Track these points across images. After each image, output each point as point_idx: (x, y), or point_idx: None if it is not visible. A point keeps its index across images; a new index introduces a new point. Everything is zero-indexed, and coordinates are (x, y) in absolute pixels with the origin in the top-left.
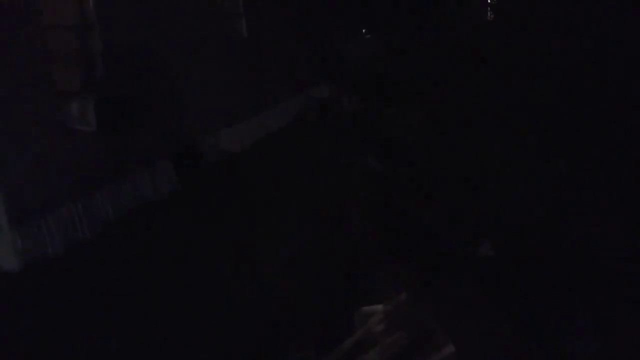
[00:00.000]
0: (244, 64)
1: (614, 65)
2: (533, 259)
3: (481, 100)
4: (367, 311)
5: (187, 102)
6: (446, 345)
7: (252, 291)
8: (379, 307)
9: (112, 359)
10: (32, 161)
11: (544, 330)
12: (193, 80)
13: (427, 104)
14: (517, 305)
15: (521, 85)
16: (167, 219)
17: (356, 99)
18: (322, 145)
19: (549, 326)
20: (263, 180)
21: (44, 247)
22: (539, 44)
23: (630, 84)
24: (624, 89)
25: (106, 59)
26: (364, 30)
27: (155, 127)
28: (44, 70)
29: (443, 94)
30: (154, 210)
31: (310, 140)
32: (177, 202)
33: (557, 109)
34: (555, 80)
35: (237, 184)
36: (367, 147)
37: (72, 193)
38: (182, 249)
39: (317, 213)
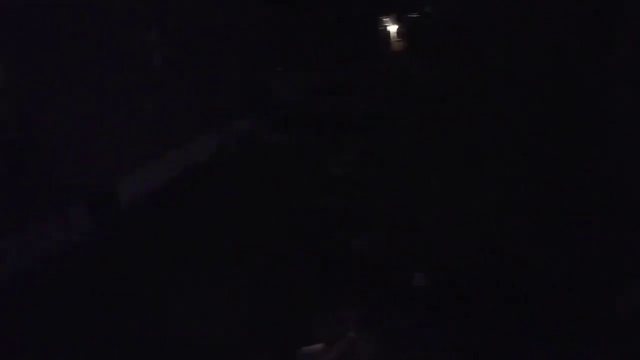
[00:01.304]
0: (160, 96)
1: (546, 95)
2: (468, 286)
3: (412, 133)
4: (308, 351)
5: (98, 141)
6: None
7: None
8: (320, 346)
9: None
10: None
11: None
12: (103, 117)
13: (359, 138)
14: (457, 333)
15: (450, 115)
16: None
17: (282, 133)
18: (246, 180)
19: (491, 352)
20: (184, 222)
21: None
22: (460, 73)
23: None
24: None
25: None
26: (289, 64)
27: (64, 170)
28: None
29: (374, 128)
30: (62, 261)
31: (233, 175)
32: (88, 251)
33: (487, 139)
34: (483, 109)
35: (154, 229)
36: (296, 180)
37: None
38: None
39: (249, 256)
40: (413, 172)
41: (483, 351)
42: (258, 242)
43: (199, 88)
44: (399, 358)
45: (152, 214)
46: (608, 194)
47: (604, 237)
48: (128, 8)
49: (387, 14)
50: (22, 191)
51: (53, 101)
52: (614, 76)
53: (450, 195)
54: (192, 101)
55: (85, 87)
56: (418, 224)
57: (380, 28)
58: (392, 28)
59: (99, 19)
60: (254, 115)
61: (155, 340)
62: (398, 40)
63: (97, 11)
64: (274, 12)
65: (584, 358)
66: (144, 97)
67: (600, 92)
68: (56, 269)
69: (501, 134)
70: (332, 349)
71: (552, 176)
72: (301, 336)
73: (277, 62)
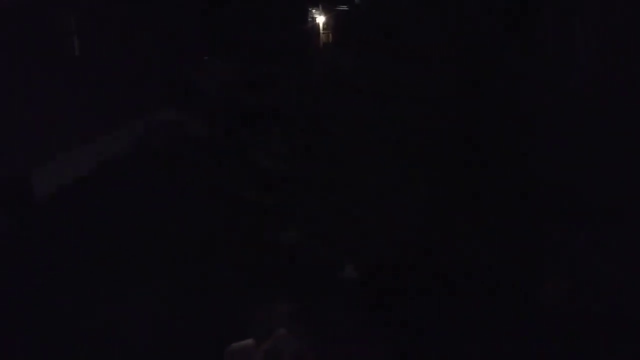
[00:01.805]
0: (76, 85)
1: (483, 93)
2: (397, 278)
3: (341, 126)
4: (238, 347)
5: (9, 132)
6: None
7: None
8: (250, 342)
9: None
10: None
11: (418, 351)
12: (15, 107)
13: (288, 130)
14: (387, 326)
15: (384, 111)
16: None
17: (206, 125)
18: (169, 172)
19: (421, 345)
20: (101, 217)
21: None
22: (395, 70)
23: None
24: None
25: None
26: (214, 55)
27: None
28: None
29: (303, 121)
30: None
31: (154, 166)
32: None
33: (423, 134)
34: (420, 107)
35: (69, 224)
36: (221, 174)
37: None
38: None
39: (174, 251)
40: (343, 166)
41: (413, 344)
42: (184, 236)
43: (120, 78)
44: (330, 352)
45: (67, 208)
46: (530, 190)
47: (526, 231)
48: None
49: (316, 6)
50: None
51: None
52: (536, 74)
53: (380, 188)
54: (112, 91)
55: None
56: (348, 218)
57: (309, 19)
58: (321, 20)
59: (11, 5)
60: (178, 107)
61: (73, 340)
62: (327, 33)
63: None
64: (199, 2)
65: (512, 349)
66: (61, 87)
67: (524, 90)
68: None
69: (431, 129)
70: (263, 344)
71: (478, 172)
72: (231, 332)
73: (202, 53)
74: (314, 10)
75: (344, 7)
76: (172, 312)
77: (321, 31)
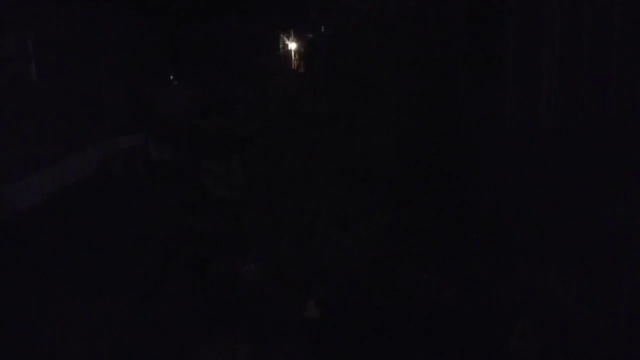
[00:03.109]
0: (34, 110)
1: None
2: (362, 315)
3: (305, 154)
4: None
5: None
6: None
7: None
8: None
9: None
10: None
11: None
12: None
13: (247, 157)
14: None
15: (339, 136)
16: None
17: (166, 150)
18: (128, 198)
19: None
20: (57, 244)
21: None
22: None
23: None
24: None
25: None
26: (176, 80)
27: None
28: None
29: (263, 147)
30: None
31: (113, 193)
32: None
33: (382, 163)
34: (371, 131)
35: (22, 254)
36: (179, 201)
37: None
38: None
39: (130, 280)
40: (301, 196)
41: None
42: (139, 266)
43: (78, 102)
44: None
45: (24, 232)
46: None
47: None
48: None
49: (284, 33)
50: None
51: None
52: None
53: (339, 218)
54: (74, 115)
55: None
56: (308, 249)
57: (274, 47)
58: (291, 46)
59: None
60: (140, 131)
61: None
62: (293, 59)
63: None
64: (164, 27)
65: None
66: (21, 110)
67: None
68: None
69: (389, 156)
70: None
71: (437, 201)
72: None
73: (165, 78)
74: (286, 38)
75: (311, 36)
76: (124, 348)
77: (293, 58)
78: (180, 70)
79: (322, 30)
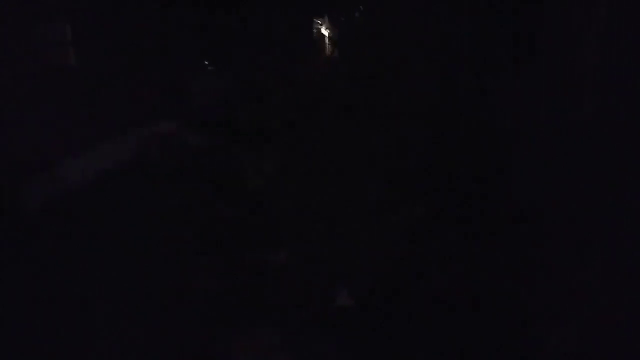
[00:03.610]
0: (72, 96)
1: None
2: (395, 304)
3: (334, 144)
4: None
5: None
6: None
7: None
8: None
9: None
10: None
11: None
12: (6, 117)
13: (279, 146)
14: (381, 355)
15: (375, 128)
16: None
17: (203, 137)
18: (164, 187)
19: None
20: (94, 232)
21: None
22: (390, 82)
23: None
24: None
25: None
26: (212, 64)
27: None
28: None
29: (295, 136)
30: None
31: (150, 182)
32: None
33: (413, 154)
34: (406, 119)
35: (60, 238)
36: (214, 191)
37: None
38: None
39: (162, 271)
40: (334, 185)
41: None
42: (172, 255)
43: (115, 88)
44: None
45: (59, 222)
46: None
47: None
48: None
49: (317, 19)
50: None
51: None
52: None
53: (372, 208)
54: (108, 102)
55: None
56: (340, 239)
57: (307, 33)
58: (322, 33)
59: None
60: (174, 118)
61: None
62: (324, 46)
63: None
64: (200, 11)
65: None
66: (54, 96)
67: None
68: None
69: (425, 145)
70: None
71: (478, 192)
72: None
73: (200, 63)
74: (319, 21)
75: (343, 20)
76: (150, 338)
77: (326, 43)
78: (215, 55)
79: (357, 15)
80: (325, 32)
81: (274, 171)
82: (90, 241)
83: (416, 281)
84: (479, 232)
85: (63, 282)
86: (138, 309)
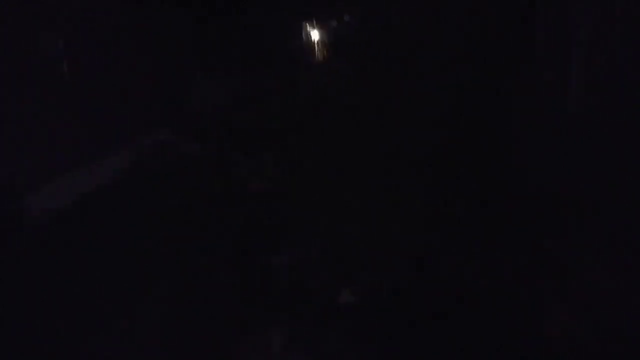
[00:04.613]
0: (67, 108)
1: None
2: (398, 302)
3: (334, 145)
4: None
5: None
6: None
7: None
8: None
9: None
10: None
11: None
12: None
13: (278, 150)
14: (387, 352)
15: (371, 126)
16: None
17: (198, 144)
18: (160, 192)
19: None
20: (96, 241)
21: None
22: (386, 82)
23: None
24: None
25: None
26: (207, 73)
27: None
28: None
29: (294, 140)
30: None
31: (150, 189)
32: None
33: (410, 149)
34: (404, 119)
35: (62, 249)
36: (212, 194)
37: None
38: None
39: (164, 275)
40: (335, 185)
41: None
42: (174, 260)
43: (111, 98)
44: None
45: (61, 233)
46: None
47: (531, 251)
48: (32, 12)
49: (309, 22)
50: None
51: None
52: (533, 82)
53: (374, 207)
54: (106, 110)
55: None
56: (342, 238)
57: (301, 36)
58: (314, 36)
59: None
60: (172, 125)
61: None
62: (319, 50)
63: None
64: (194, 19)
65: None
66: (51, 106)
67: (522, 102)
68: None
69: (423, 144)
70: None
71: (477, 187)
72: None
73: (196, 70)
74: (307, 25)
75: (336, 23)
76: (158, 341)
77: (315, 47)
78: (210, 62)
79: (347, 19)
80: (315, 36)
81: (274, 174)
82: (92, 247)
83: (420, 279)
84: (483, 230)
85: (64, 287)
86: (144, 314)
